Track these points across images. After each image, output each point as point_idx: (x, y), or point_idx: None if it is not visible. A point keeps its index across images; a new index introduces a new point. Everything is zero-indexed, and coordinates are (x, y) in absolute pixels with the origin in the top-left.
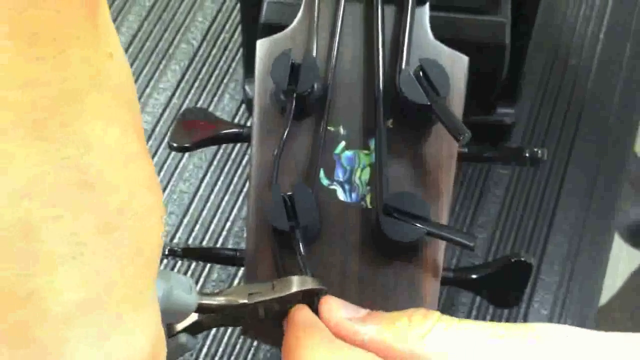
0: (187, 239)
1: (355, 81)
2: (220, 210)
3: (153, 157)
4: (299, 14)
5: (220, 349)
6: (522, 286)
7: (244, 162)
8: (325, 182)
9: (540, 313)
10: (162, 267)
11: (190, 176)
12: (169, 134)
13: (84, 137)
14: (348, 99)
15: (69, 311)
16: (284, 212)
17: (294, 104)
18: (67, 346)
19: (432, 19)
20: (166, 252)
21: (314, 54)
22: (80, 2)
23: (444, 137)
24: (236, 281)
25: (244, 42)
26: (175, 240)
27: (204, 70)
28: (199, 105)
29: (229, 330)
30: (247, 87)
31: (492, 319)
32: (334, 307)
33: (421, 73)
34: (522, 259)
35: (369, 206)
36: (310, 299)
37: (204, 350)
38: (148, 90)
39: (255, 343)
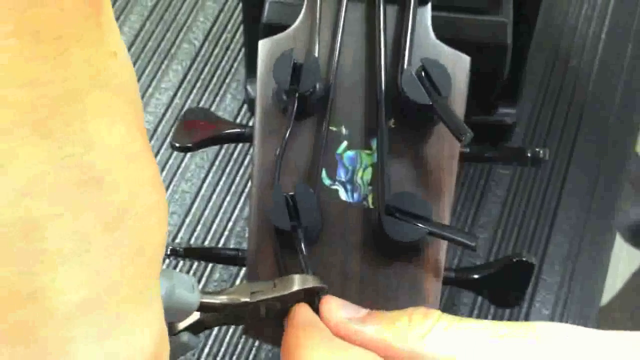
0: (189, 238)
1: (357, 81)
2: (222, 210)
3: (155, 157)
4: (301, 14)
5: (222, 349)
6: (524, 286)
7: (245, 162)
8: (327, 182)
9: (541, 313)
10: (164, 266)
11: (192, 176)
12: (171, 134)
13: (87, 136)
14: (350, 99)
15: (71, 310)
16: (285, 212)
17: (296, 104)
18: (69, 345)
19: (433, 19)
20: (168, 252)
21: (316, 54)
22: (83, 0)
23: (445, 137)
24: (238, 281)
25: (245, 42)
26: (177, 240)
27: (206, 70)
28: (200, 105)
29: (231, 330)
30: (249, 87)
31: (493, 319)
32: (335, 307)
33: (423, 73)
34: (524, 259)
35: (371, 206)
36: (311, 298)
37: (206, 349)
38: (150, 90)
39: (256, 343)
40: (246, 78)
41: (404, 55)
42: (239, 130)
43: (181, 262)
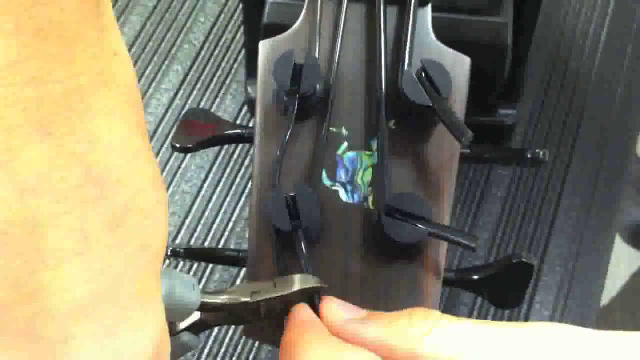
0: (190, 239)
1: (358, 82)
2: (222, 211)
3: (156, 157)
4: (302, 15)
5: (222, 349)
6: (524, 287)
7: (246, 163)
8: (327, 183)
9: (541, 314)
10: (164, 267)
11: (192, 177)
12: (171, 134)
13: (89, 134)
14: (350, 100)
15: (75, 307)
16: (286, 212)
17: (296, 104)
18: (72, 342)
19: (434, 20)
20: (169, 253)
21: (317, 55)
22: (83, 0)
23: (445, 138)
24: (238, 281)
25: (246, 43)
26: (178, 241)
27: (206, 71)
28: (201, 106)
29: (231, 330)
30: (249, 88)
31: (493, 320)
32: (335, 307)
33: (423, 74)
34: (524, 260)
35: (371, 207)
36: (312, 299)
37: (206, 350)
38: (150, 91)
39: (256, 344)
40: (247, 79)
41: (404, 56)
42: (239, 131)
43: (181, 263)
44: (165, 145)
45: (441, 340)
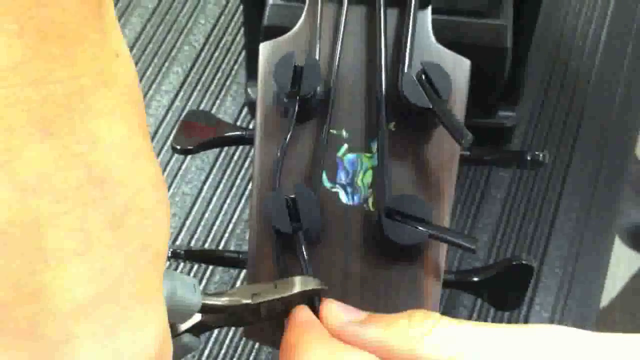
0: (190, 241)
1: (358, 84)
2: (222, 213)
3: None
4: (302, 17)
5: (222, 351)
6: (523, 289)
7: (246, 164)
8: (327, 184)
9: (541, 315)
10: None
11: (192, 178)
12: (171, 136)
13: (91, 135)
14: (350, 102)
15: (76, 307)
16: (286, 214)
17: (296, 106)
18: (74, 342)
19: (434, 22)
20: (169, 255)
21: (317, 56)
22: (85, 1)
23: (445, 139)
24: (238, 283)
25: (246, 45)
26: (178, 242)
27: (206, 72)
28: (201, 107)
29: (231, 332)
30: (249, 90)
31: (493, 322)
32: (335, 309)
33: (423, 76)
34: (523, 261)
35: (371, 209)
36: (312, 300)
37: (206, 352)
38: (151, 92)
39: (256, 345)
40: (247, 80)
41: (404, 58)
42: (239, 132)
43: (181, 264)
44: (166, 147)
45: (441, 340)
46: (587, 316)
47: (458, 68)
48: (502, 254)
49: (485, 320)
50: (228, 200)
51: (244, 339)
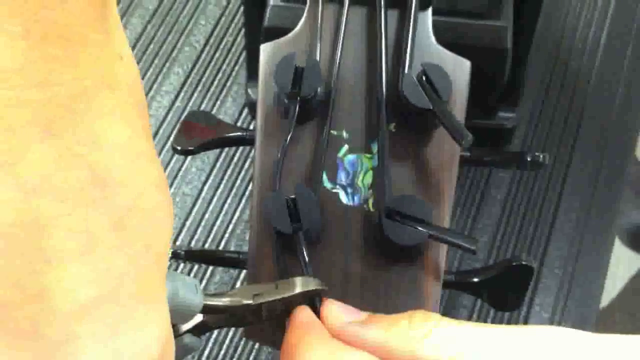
0: (190, 241)
1: (358, 85)
2: (222, 213)
3: None
4: (303, 18)
5: (222, 351)
6: (523, 289)
7: (246, 165)
8: (327, 185)
9: (541, 316)
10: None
11: (192, 179)
12: (172, 136)
13: (94, 136)
14: (351, 103)
15: (78, 308)
16: (286, 215)
17: (297, 107)
18: (76, 343)
19: (434, 23)
20: (169, 255)
21: (318, 57)
22: (89, 3)
23: (446, 140)
24: (238, 283)
25: (247, 46)
26: (178, 243)
27: (207, 73)
28: (202, 108)
29: (231, 332)
30: (250, 91)
31: (493, 322)
32: (335, 310)
33: (424, 77)
34: (523, 262)
35: (371, 209)
36: (312, 300)
37: (206, 352)
38: (151, 93)
39: (256, 345)
40: (247, 81)
41: (404, 60)
42: (240, 133)
43: (182, 265)
44: (166, 147)
45: (441, 341)
46: (586, 317)
47: (458, 69)
48: (502, 254)
49: (485, 321)
50: (228, 201)
51: (243, 339)
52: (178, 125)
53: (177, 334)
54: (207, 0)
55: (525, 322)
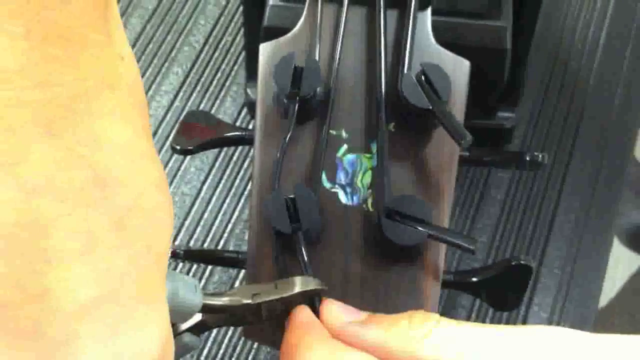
0: (189, 241)
1: (358, 85)
2: (221, 213)
3: None
4: (302, 18)
5: (221, 351)
6: (522, 289)
7: (245, 164)
8: (327, 184)
9: (539, 316)
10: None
11: (191, 179)
12: (171, 136)
13: (95, 136)
14: (350, 103)
15: (79, 308)
16: (286, 214)
17: (296, 107)
18: (77, 342)
19: (434, 23)
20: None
21: (317, 57)
22: (91, 4)
23: (445, 140)
24: (237, 283)
25: (246, 46)
26: (177, 242)
27: (206, 73)
28: (201, 108)
29: (230, 331)
30: (249, 90)
31: (491, 322)
32: (335, 309)
33: (423, 77)
34: (522, 262)
35: (371, 209)
36: (312, 300)
37: (205, 352)
38: (150, 92)
39: (255, 345)
40: (246, 81)
41: (404, 60)
42: (239, 133)
43: (180, 264)
44: (165, 147)
45: (441, 341)
46: (585, 317)
47: (458, 69)
48: (501, 254)
49: (484, 321)
50: (227, 201)
51: (242, 338)
52: (177, 125)
53: (176, 333)
54: (206, 0)
55: (524, 322)
